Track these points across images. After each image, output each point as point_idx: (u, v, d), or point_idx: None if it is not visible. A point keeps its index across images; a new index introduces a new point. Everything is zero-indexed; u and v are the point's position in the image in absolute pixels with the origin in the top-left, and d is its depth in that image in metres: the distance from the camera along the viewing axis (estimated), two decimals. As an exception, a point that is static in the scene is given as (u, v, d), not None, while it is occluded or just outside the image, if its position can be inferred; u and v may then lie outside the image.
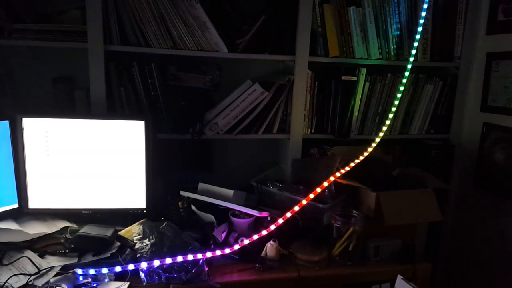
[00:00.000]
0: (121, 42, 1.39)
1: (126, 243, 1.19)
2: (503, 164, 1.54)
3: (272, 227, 1.20)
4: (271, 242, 1.17)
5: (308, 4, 1.47)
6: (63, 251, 1.16)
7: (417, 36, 1.56)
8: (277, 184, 1.41)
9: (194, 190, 1.36)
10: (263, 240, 1.19)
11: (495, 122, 1.59)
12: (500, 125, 1.56)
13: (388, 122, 1.57)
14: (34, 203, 1.29)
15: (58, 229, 1.24)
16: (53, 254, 1.15)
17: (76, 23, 1.37)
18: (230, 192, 1.31)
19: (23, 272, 1.06)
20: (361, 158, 1.43)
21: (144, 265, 1.08)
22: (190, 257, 1.10)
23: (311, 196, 1.24)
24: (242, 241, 1.19)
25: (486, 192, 1.64)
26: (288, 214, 1.22)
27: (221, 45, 1.43)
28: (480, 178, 1.66)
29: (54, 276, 1.06)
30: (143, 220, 1.29)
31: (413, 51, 1.56)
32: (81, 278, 1.05)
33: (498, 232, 1.59)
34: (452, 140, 1.74)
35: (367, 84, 1.59)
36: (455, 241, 1.80)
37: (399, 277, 1.07)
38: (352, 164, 1.39)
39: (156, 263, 1.07)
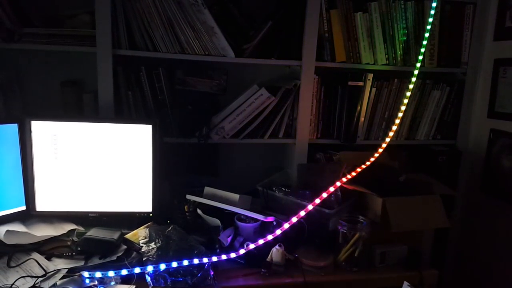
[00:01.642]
0: (129, 46, 1.40)
1: (132, 246, 1.20)
2: (510, 171, 1.53)
3: (278, 231, 1.19)
4: (277, 247, 1.17)
5: (315, 9, 1.48)
6: (70, 253, 1.16)
7: (424, 42, 1.56)
8: (283, 188, 1.41)
9: (200, 194, 1.36)
10: (268, 245, 1.18)
11: (502, 128, 1.58)
12: (508, 131, 1.55)
13: (394, 127, 1.57)
14: (41, 205, 1.30)
15: (65, 232, 1.25)
16: (60, 256, 1.16)
17: (85, 28, 1.39)
18: (236, 197, 1.31)
19: (30, 274, 1.06)
20: (368, 163, 1.43)
21: (150, 268, 1.08)
22: (195, 261, 1.10)
23: (317, 201, 1.24)
24: (247, 245, 1.19)
25: (493, 198, 1.62)
26: (294, 219, 1.21)
27: (228, 50, 1.44)
28: (487, 185, 1.65)
29: (61, 278, 1.06)
30: (149, 223, 1.29)
31: (420, 57, 1.56)
32: (87, 281, 1.05)
33: (505, 239, 1.58)
34: (459, 146, 1.73)
35: (374, 89, 1.59)
36: (462, 248, 1.78)
37: (405, 283, 1.06)
38: (359, 170, 1.38)
39: (162, 266, 1.08)
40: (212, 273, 1.10)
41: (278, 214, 1.31)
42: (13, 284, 1.02)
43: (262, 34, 1.48)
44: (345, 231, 1.22)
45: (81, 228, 1.28)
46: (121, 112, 1.44)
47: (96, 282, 1.05)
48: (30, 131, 1.26)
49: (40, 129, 1.27)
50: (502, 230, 1.59)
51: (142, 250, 1.15)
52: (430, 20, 1.55)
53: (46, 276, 1.06)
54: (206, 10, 1.38)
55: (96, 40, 1.35)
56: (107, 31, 1.35)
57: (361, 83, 1.55)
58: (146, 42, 1.40)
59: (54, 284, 1.03)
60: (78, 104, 1.51)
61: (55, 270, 1.08)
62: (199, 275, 1.09)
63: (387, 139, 1.54)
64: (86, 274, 1.06)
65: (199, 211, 1.34)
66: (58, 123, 1.27)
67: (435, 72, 1.66)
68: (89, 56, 1.39)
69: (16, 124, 1.26)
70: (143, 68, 1.42)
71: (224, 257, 1.15)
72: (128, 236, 1.23)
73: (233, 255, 1.17)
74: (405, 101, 1.57)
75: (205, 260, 1.11)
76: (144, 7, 1.37)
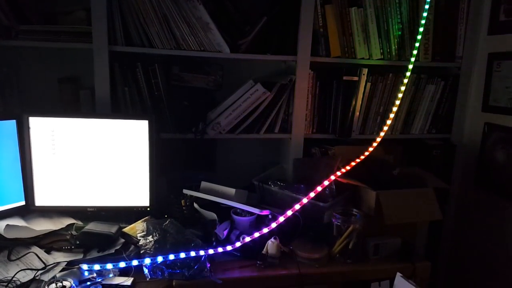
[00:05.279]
0: (125, 42, 1.41)
1: (130, 240, 1.22)
2: (504, 164, 1.55)
3: (273, 225, 1.21)
4: (272, 239, 1.19)
5: (310, 4, 1.48)
6: (68, 247, 1.18)
7: (419, 36, 1.57)
8: (279, 183, 1.43)
9: (197, 189, 1.38)
10: (264, 238, 1.20)
11: (496, 122, 1.59)
12: (502, 125, 1.56)
13: (389, 121, 1.58)
14: (40, 200, 1.32)
15: (64, 226, 1.27)
16: (59, 250, 1.18)
17: (81, 24, 1.39)
18: (232, 191, 1.33)
19: (30, 267, 1.08)
20: (362, 157, 1.44)
21: (147, 261, 1.10)
22: (192, 253, 1.12)
23: (312, 194, 1.26)
24: (243, 238, 1.21)
25: (487, 192, 1.64)
26: (289, 212, 1.23)
27: (224, 45, 1.44)
28: (481, 178, 1.67)
29: (60, 271, 1.08)
30: (146, 217, 1.31)
31: (415, 51, 1.57)
32: (86, 273, 1.08)
33: (498, 232, 1.60)
34: (453, 140, 1.75)
35: (369, 84, 1.60)
36: (456, 241, 1.80)
37: (398, 274, 1.08)
38: (353, 164, 1.40)
39: (159, 259, 1.10)
40: (208, 265, 1.12)
41: (273, 208, 1.32)
42: (13, 276, 1.04)
43: (257, 29, 1.48)
44: (339, 223, 1.24)
45: (79, 222, 1.30)
46: (117, 108, 1.45)
47: (94, 275, 1.07)
48: (28, 127, 1.28)
49: (38, 125, 1.28)
50: (496, 223, 1.61)
51: (140, 243, 1.17)
52: (425, 14, 1.56)
53: (46, 269, 1.08)
54: (201, 6, 1.39)
55: (92, 37, 1.36)
56: (103, 28, 1.36)
57: (356, 78, 1.56)
58: (142, 38, 1.41)
59: (54, 277, 1.05)
60: (75, 100, 1.52)
61: (54, 263, 1.10)
62: (195, 267, 1.11)
63: (382, 133, 1.56)
64: (85, 266, 1.08)
65: (195, 205, 1.35)
66: (56, 119, 1.29)
67: (429, 67, 1.67)
68: (85, 53, 1.39)
69: (14, 120, 1.27)
70: (139, 64, 1.43)
71: (220, 249, 1.17)
72: (126, 229, 1.25)
73: (229, 247, 1.19)
74: (400, 95, 1.58)
75: (202, 252, 1.13)
76: (140, 3, 1.37)
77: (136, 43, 1.42)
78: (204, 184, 1.39)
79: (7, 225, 1.19)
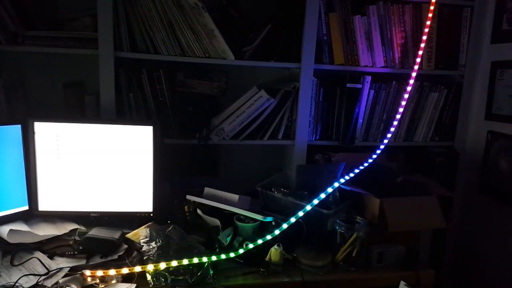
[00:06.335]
0: (131, 49, 1.42)
1: (133, 246, 1.21)
2: (508, 172, 1.55)
3: (277, 232, 1.21)
4: (276, 246, 1.18)
5: (314, 12, 1.49)
6: (71, 252, 1.18)
7: (422, 45, 1.58)
8: (282, 189, 1.42)
9: (200, 195, 1.37)
10: (267, 245, 1.20)
11: (499, 130, 1.59)
12: (505, 133, 1.57)
13: (392, 129, 1.59)
14: (44, 205, 1.32)
15: (67, 231, 1.27)
16: (62, 255, 1.17)
17: (87, 30, 1.41)
18: (235, 197, 1.33)
19: (33, 273, 1.08)
20: (366, 164, 1.44)
21: (150, 267, 1.09)
22: (195, 260, 1.12)
23: (316, 201, 1.26)
24: (246, 245, 1.20)
25: (490, 199, 1.64)
26: (293, 219, 1.23)
27: (228, 52, 1.46)
28: (484, 186, 1.66)
29: (63, 277, 1.08)
30: (150, 223, 1.31)
31: (418, 59, 1.58)
32: (89, 279, 1.07)
33: (502, 239, 1.59)
34: (456, 148, 1.75)
35: (372, 91, 1.61)
36: (460, 249, 1.79)
37: (402, 283, 1.07)
38: (357, 171, 1.40)
39: (162, 265, 1.09)
40: (211, 272, 1.12)
41: (277, 215, 1.32)
42: (16, 282, 1.03)
43: (261, 37, 1.49)
44: (343, 231, 1.23)
45: (82, 228, 1.29)
46: (122, 114, 1.46)
47: (97, 281, 1.07)
48: (33, 132, 1.28)
49: (43, 130, 1.29)
50: (499, 231, 1.60)
51: (143, 250, 1.16)
52: (428, 23, 1.57)
53: (49, 274, 1.08)
54: (206, 13, 1.40)
55: (98, 43, 1.37)
56: (109, 34, 1.37)
57: (359, 85, 1.57)
58: (147, 44, 1.42)
59: (57, 283, 1.05)
60: (80, 105, 1.53)
61: (57, 269, 1.10)
62: (198, 274, 1.10)
63: (385, 141, 1.56)
64: (87, 272, 1.08)
65: (199, 211, 1.35)
66: (61, 124, 1.29)
67: (433, 75, 1.68)
68: (91, 58, 1.41)
69: (20, 125, 1.28)
70: (144, 70, 1.44)
71: (223, 256, 1.17)
72: (129, 235, 1.25)
73: (232, 254, 1.19)
74: (403, 103, 1.59)
75: (205, 259, 1.13)
76: (146, 10, 1.39)
77: (142, 49, 1.43)
78: (207, 190, 1.39)
79: (10, 230, 1.19)
